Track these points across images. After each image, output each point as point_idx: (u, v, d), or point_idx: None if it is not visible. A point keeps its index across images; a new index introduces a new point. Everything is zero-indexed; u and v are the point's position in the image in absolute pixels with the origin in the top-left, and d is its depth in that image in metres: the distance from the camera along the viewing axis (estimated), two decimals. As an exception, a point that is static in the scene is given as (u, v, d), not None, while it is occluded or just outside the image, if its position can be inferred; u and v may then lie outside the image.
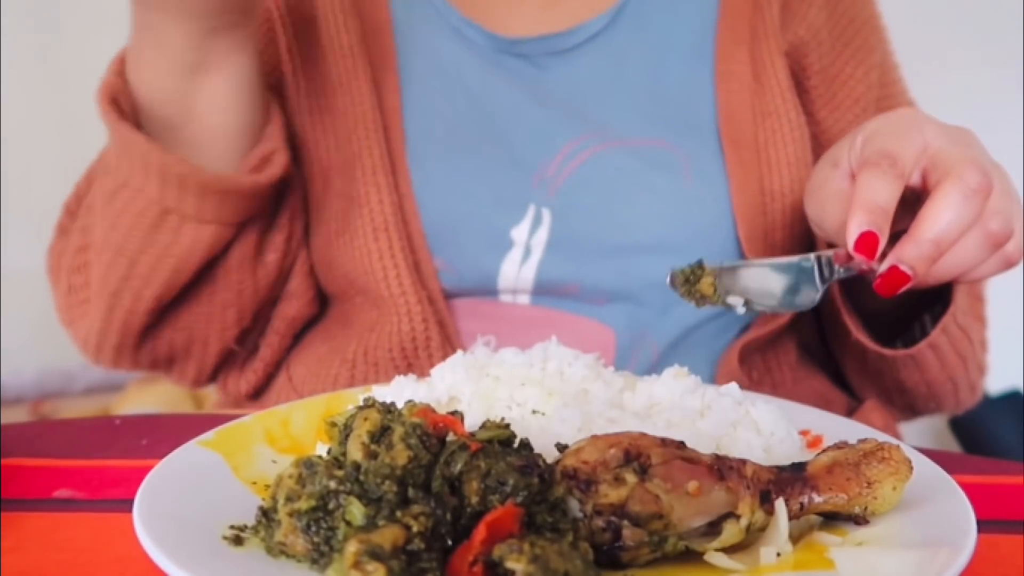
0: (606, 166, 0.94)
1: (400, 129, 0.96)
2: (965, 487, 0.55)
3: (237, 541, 0.50)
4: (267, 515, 0.50)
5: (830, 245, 0.82)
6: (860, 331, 0.89)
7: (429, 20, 1.00)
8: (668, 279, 0.71)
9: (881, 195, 0.67)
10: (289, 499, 0.49)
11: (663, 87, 0.98)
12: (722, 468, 0.51)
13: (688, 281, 0.71)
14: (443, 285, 0.94)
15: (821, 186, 0.78)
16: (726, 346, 0.96)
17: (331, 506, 0.48)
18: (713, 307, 0.71)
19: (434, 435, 0.50)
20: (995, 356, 1.02)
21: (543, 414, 0.60)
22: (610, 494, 0.49)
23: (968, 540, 0.49)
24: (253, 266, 0.92)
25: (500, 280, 0.93)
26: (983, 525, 0.52)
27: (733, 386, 0.65)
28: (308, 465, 0.49)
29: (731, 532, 0.49)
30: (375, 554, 0.43)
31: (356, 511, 0.47)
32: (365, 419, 0.51)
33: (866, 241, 0.67)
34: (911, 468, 0.54)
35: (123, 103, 0.85)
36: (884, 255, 0.68)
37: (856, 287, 0.89)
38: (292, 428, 0.66)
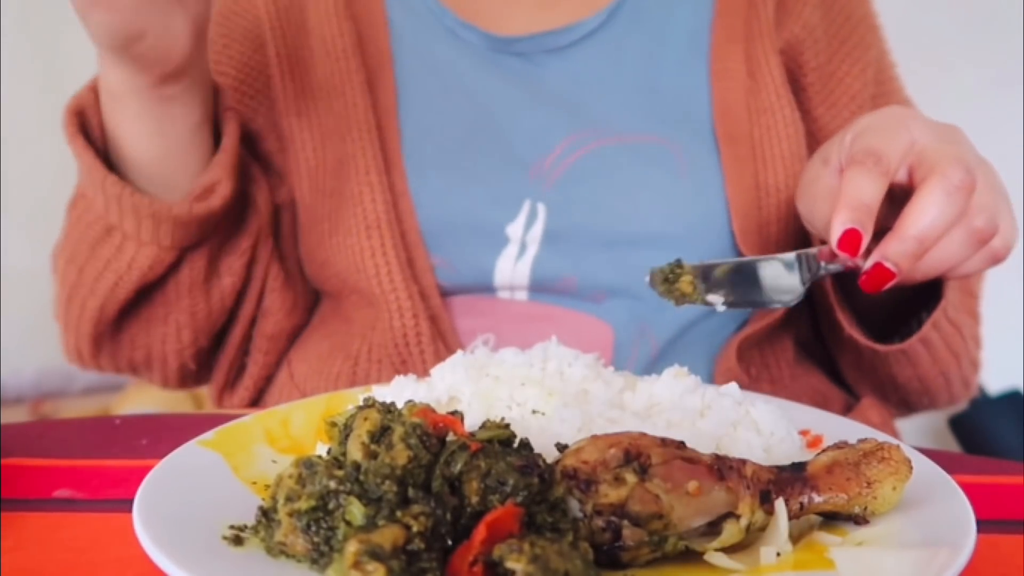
0: (602, 162, 0.94)
1: (396, 129, 0.96)
2: (965, 487, 0.55)
3: (237, 541, 0.50)
4: (267, 515, 0.50)
5: (823, 241, 0.82)
6: (853, 327, 0.89)
7: (424, 22, 1.00)
8: (647, 278, 0.70)
9: (865, 193, 0.68)
10: (289, 499, 0.49)
11: (659, 84, 0.98)
12: (722, 468, 0.51)
13: (667, 280, 0.70)
14: (441, 282, 0.94)
15: (812, 183, 0.78)
16: (724, 342, 0.96)
17: (331, 506, 0.48)
18: (692, 305, 0.71)
19: (434, 435, 0.50)
20: (995, 356, 1.02)
21: (543, 414, 0.60)
22: (610, 494, 0.48)
23: (968, 540, 0.49)
24: (205, 289, 0.93)
25: (496, 276, 0.93)
26: (983, 525, 0.52)
27: (733, 386, 0.65)
28: (308, 465, 0.49)
29: (731, 532, 0.49)
30: (375, 554, 0.43)
31: (356, 511, 0.47)
32: (365, 419, 0.51)
33: (849, 238, 0.67)
34: (911, 468, 0.54)
35: (91, 115, 0.86)
36: (870, 252, 0.69)
37: (850, 284, 0.89)
38: (292, 428, 0.67)
